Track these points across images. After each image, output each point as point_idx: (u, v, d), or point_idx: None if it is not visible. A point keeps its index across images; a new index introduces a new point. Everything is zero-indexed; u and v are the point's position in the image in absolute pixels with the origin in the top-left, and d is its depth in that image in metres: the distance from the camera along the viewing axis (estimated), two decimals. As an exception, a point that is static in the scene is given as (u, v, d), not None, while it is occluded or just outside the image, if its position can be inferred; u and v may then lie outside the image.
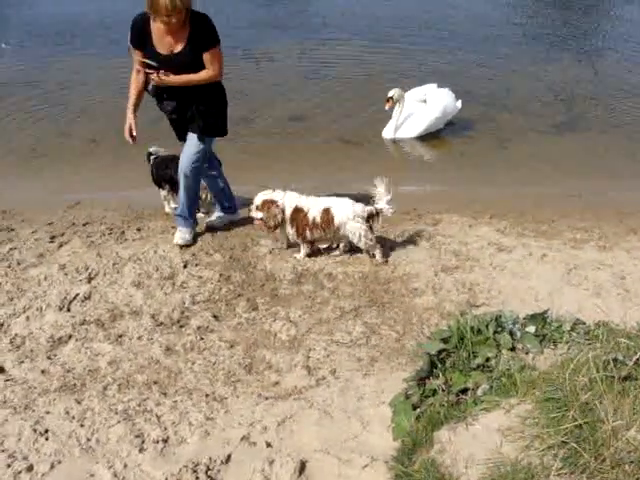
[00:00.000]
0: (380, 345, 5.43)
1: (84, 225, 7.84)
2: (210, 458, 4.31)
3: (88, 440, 4.54)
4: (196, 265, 6.71)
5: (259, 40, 15.82)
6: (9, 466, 4.34)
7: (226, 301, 6.13)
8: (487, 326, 4.49)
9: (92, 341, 5.64)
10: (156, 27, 6.34)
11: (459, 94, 11.17)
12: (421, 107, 10.70)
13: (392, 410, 4.44)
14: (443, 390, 4.15)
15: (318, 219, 6.58)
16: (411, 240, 7.13)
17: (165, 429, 4.59)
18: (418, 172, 9.73)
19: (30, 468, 4.34)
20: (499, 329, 4.48)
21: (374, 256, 6.76)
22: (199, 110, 6.74)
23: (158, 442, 4.48)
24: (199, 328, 5.73)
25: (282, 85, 13.14)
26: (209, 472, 4.22)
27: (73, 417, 4.75)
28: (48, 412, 4.82)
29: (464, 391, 4.09)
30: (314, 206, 6.64)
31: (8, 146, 10.63)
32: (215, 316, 5.90)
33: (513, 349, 4.31)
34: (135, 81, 6.70)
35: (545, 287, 6.16)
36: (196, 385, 5.04)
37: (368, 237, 6.61)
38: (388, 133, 10.69)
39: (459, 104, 10.93)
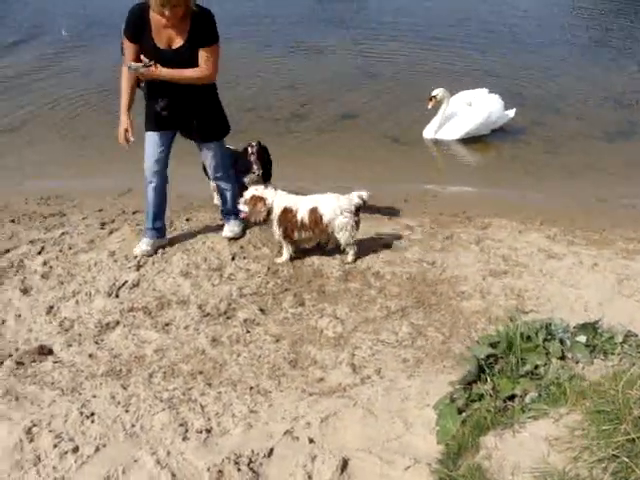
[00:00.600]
0: (426, 347, 5.41)
1: (134, 213, 7.92)
2: (253, 451, 4.31)
3: (132, 426, 4.58)
4: (244, 258, 6.75)
5: (314, 35, 15.85)
6: (56, 446, 4.40)
7: (273, 295, 6.15)
8: (537, 333, 4.43)
9: (139, 328, 5.71)
10: (155, 18, 6.03)
11: (513, 96, 11.12)
12: (466, 110, 10.63)
13: (437, 413, 4.41)
14: (490, 395, 4.11)
15: (306, 219, 6.53)
16: (460, 243, 7.09)
17: (209, 419, 4.61)
18: (468, 174, 9.69)
19: (76, 449, 4.38)
20: (549, 337, 4.41)
21: (345, 253, 6.76)
22: (207, 116, 6.59)
23: (201, 432, 4.49)
24: (245, 321, 5.76)
25: (335, 81, 13.13)
26: (251, 465, 4.22)
27: (119, 402, 4.80)
28: (94, 396, 4.87)
29: (511, 397, 4.04)
30: (302, 206, 6.59)
31: (61, 132, 10.79)
32: (262, 309, 5.93)
33: (563, 358, 4.25)
34: (127, 79, 6.38)
35: (595, 297, 6.07)
36: (241, 377, 5.06)
37: (353, 232, 6.62)
38: (428, 133, 10.67)
39: (511, 113, 10.78)
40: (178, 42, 6.14)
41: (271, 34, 16.16)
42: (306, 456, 4.26)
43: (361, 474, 4.17)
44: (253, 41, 15.59)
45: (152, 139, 6.60)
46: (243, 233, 7.21)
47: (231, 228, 7.17)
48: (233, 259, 6.72)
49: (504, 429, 3.77)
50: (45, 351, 5.44)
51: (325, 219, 6.51)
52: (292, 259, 6.70)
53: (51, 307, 6.02)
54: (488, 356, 4.43)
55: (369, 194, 6.69)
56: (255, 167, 7.48)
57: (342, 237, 6.61)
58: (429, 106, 10.43)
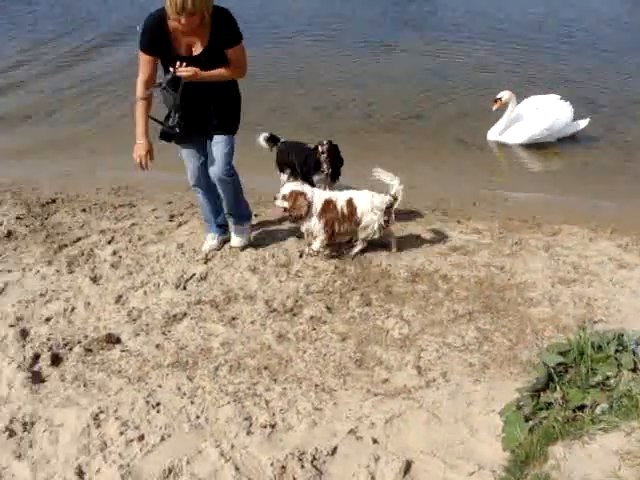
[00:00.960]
0: (492, 352, 5.34)
1: (202, 207, 7.98)
2: (316, 448, 4.32)
3: (197, 417, 4.63)
4: (312, 255, 6.74)
5: (386, 35, 15.83)
6: (122, 433, 4.48)
7: (340, 294, 6.13)
8: (608, 344, 4.35)
9: (206, 321, 5.74)
10: (173, 26, 5.78)
11: (587, 103, 10.92)
12: (532, 115, 10.48)
13: (503, 419, 4.36)
14: (560, 405, 4.05)
15: (345, 210, 6.59)
16: (528, 249, 6.99)
17: (273, 415, 4.63)
18: (538, 180, 9.58)
19: (141, 438, 4.45)
20: (620, 348, 4.33)
21: (353, 246, 6.87)
22: (224, 109, 6.35)
23: (266, 427, 4.52)
24: (312, 318, 5.76)
25: (404, 81, 13.11)
26: (314, 462, 4.23)
27: (184, 393, 4.85)
28: (160, 386, 4.94)
29: (581, 408, 3.98)
30: (339, 198, 6.66)
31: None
32: (328, 307, 5.91)
33: (635, 370, 4.16)
34: (141, 106, 6.07)
35: (668, 309, 5.94)
36: (306, 374, 5.06)
37: (381, 230, 6.68)
38: (492, 135, 10.61)
39: (583, 123, 10.57)
40: (199, 47, 5.96)
41: (343, 33, 16.21)
42: (369, 456, 4.26)
43: (424, 477, 4.15)
44: (325, 39, 15.66)
45: (183, 152, 6.59)
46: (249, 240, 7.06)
47: (240, 236, 6.94)
48: (301, 256, 6.73)
49: (573, 440, 3.71)
50: (113, 339, 5.52)
51: (358, 211, 6.59)
52: (360, 259, 6.68)
53: (120, 296, 6.11)
54: (558, 364, 4.37)
55: (401, 191, 6.73)
56: (325, 166, 7.50)
57: (365, 233, 6.69)
58: (494, 108, 10.37)
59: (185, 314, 5.84)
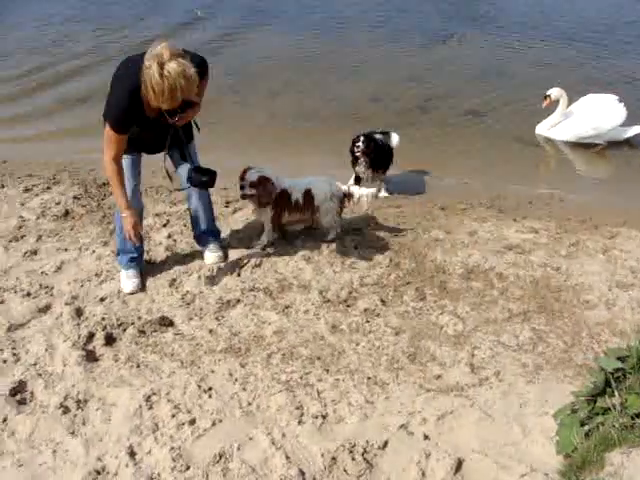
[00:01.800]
0: (547, 354, 5.26)
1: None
2: (367, 441, 4.31)
3: (249, 404, 4.65)
4: (367, 247, 6.70)
5: (444, 29, 15.66)
6: (174, 416, 4.52)
7: (394, 287, 6.09)
8: (668, 351, 4.27)
9: (259, 308, 5.76)
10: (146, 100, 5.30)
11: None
12: (582, 114, 10.32)
13: (557, 423, 4.31)
14: (618, 411, 3.98)
15: (301, 200, 6.58)
16: (585, 250, 6.88)
17: (325, 405, 4.63)
18: (596, 181, 9.39)
19: (193, 422, 4.50)
20: (681, 355, 4.25)
21: (327, 233, 6.89)
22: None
23: (317, 417, 4.52)
24: (366, 310, 5.73)
25: (461, 77, 12.95)
26: (365, 455, 4.23)
27: (236, 380, 4.88)
28: (213, 371, 4.97)
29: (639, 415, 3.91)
30: (296, 189, 6.60)
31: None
32: (382, 300, 5.88)
33: (695, 379, 4.09)
34: (118, 179, 5.54)
35: None
36: (358, 367, 5.05)
37: (336, 218, 6.79)
38: (541, 129, 10.47)
39: (638, 129, 10.18)
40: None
41: (400, 25, 16.06)
42: (420, 452, 4.25)
43: (475, 476, 4.13)
44: (382, 32, 15.53)
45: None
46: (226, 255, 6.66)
47: (214, 252, 6.51)
48: (356, 248, 6.68)
49: (631, 447, 3.64)
50: (166, 322, 5.56)
51: (316, 201, 6.62)
52: (414, 254, 6.64)
53: (174, 280, 6.14)
54: (616, 370, 4.29)
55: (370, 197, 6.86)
56: (362, 159, 7.77)
57: (326, 220, 6.74)
58: (543, 105, 10.24)
59: (239, 300, 5.85)
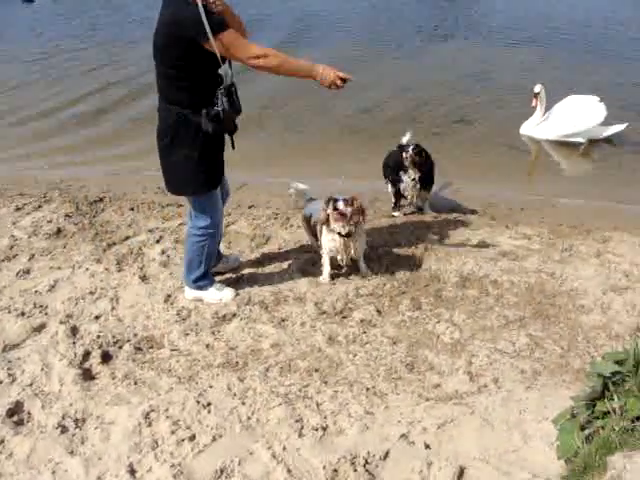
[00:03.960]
0: (544, 359, 5.26)
1: (249, 207, 8.02)
2: (368, 452, 4.28)
3: (249, 418, 4.61)
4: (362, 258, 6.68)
5: (429, 39, 15.79)
6: (173, 432, 4.48)
7: (390, 297, 6.08)
8: (665, 353, 4.27)
9: (256, 322, 5.73)
10: None
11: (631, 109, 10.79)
12: (564, 114, 10.51)
13: (557, 428, 4.28)
14: (618, 414, 3.97)
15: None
16: (579, 255, 6.89)
17: (325, 417, 4.60)
18: (587, 186, 9.39)
19: (192, 437, 4.45)
20: (678, 357, 4.25)
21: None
22: None
23: (317, 429, 4.49)
24: (362, 321, 5.72)
25: (447, 85, 13.08)
26: (367, 466, 4.19)
27: (235, 394, 4.84)
28: (211, 386, 4.93)
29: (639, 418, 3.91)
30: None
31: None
32: (378, 311, 5.87)
33: (694, 380, 4.09)
34: (278, 53, 5.32)
35: None
36: (357, 378, 5.02)
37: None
38: (525, 129, 10.71)
39: (617, 127, 10.46)
40: None
41: (385, 37, 16.17)
42: (422, 461, 4.21)
43: (478, 484, 4.10)
44: (368, 43, 15.65)
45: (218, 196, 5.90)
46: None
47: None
48: (351, 259, 6.65)
49: (633, 450, 3.63)
50: (163, 339, 5.53)
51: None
52: (409, 263, 6.64)
53: (169, 295, 6.12)
54: (614, 373, 4.29)
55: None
56: (411, 171, 7.54)
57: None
58: (533, 104, 10.49)
59: (235, 314, 5.83)
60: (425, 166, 7.59)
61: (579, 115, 10.44)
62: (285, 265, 6.57)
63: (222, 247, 6.72)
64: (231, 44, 5.09)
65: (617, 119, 10.46)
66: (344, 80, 5.34)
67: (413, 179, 7.49)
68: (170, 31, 5.14)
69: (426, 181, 7.69)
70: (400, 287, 6.24)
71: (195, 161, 5.43)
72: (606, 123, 10.42)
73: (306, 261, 6.64)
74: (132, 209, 7.92)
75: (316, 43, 15.23)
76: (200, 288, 6.03)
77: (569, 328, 5.68)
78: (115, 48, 15.99)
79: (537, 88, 10.32)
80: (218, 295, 6.06)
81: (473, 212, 8.05)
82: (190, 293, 6.08)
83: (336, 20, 17.78)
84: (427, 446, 4.35)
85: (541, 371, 5.12)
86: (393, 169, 7.66)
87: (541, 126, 10.53)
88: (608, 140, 10.55)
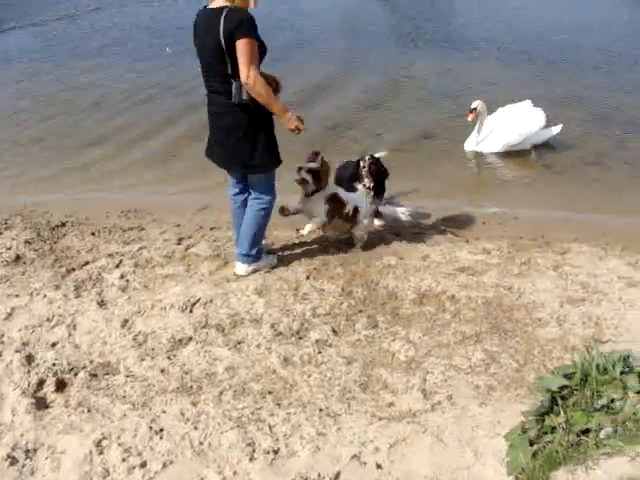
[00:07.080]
0: (499, 374, 5.28)
1: (211, 229, 8.00)
2: (319, 474, 4.28)
3: (201, 443, 4.60)
4: (319, 277, 6.71)
5: (394, 54, 15.87)
6: (124, 460, 4.45)
7: (346, 316, 6.08)
8: (614, 365, 4.30)
9: (211, 345, 5.71)
10: None
11: (593, 119, 10.98)
12: (505, 123, 10.69)
13: (508, 444, 4.31)
14: (563, 429, 4.00)
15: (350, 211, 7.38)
16: (537, 268, 6.93)
17: (277, 440, 4.59)
18: (548, 197, 9.38)
19: (144, 465, 4.43)
20: (626, 370, 4.28)
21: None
22: None
23: (269, 452, 4.48)
24: (317, 341, 5.71)
25: (414, 101, 13.13)
26: (317, 488, 4.20)
27: (188, 419, 4.82)
28: (164, 411, 4.91)
29: (585, 432, 3.92)
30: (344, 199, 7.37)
31: (146, 148, 11.07)
32: (334, 330, 5.87)
33: (640, 392, 4.12)
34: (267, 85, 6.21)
35: (678, 329, 5.85)
36: (310, 399, 5.02)
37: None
38: (469, 145, 10.79)
39: (556, 129, 10.72)
40: None
41: (350, 53, 16.26)
42: (373, 482, 4.22)
43: (428, 503, 4.11)
44: (333, 56, 15.72)
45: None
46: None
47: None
48: (308, 278, 6.69)
49: (577, 465, 3.67)
50: (119, 364, 5.51)
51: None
52: (367, 281, 6.65)
53: (126, 320, 6.09)
54: (562, 387, 4.32)
55: None
56: (367, 180, 7.65)
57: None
58: (469, 119, 10.53)
59: (191, 338, 5.81)
60: (380, 175, 7.65)
61: (521, 122, 10.63)
62: (243, 286, 6.56)
63: (182, 269, 6.74)
64: (249, 53, 5.98)
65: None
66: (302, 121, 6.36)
67: (367, 187, 7.51)
68: None
69: (379, 188, 7.75)
70: (357, 306, 6.24)
71: (270, 142, 6.49)
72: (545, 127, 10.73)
73: (264, 281, 6.64)
74: (93, 234, 7.88)
75: (285, 61, 15.23)
76: (258, 258, 6.84)
77: (525, 342, 5.70)
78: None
79: (474, 104, 10.40)
80: (269, 261, 7.01)
81: (434, 227, 8.08)
82: (247, 268, 6.83)
83: (301, 35, 17.84)
84: (379, 466, 4.36)
85: (496, 386, 5.13)
86: (348, 179, 7.69)
87: (486, 140, 10.63)
88: (548, 145, 10.82)
